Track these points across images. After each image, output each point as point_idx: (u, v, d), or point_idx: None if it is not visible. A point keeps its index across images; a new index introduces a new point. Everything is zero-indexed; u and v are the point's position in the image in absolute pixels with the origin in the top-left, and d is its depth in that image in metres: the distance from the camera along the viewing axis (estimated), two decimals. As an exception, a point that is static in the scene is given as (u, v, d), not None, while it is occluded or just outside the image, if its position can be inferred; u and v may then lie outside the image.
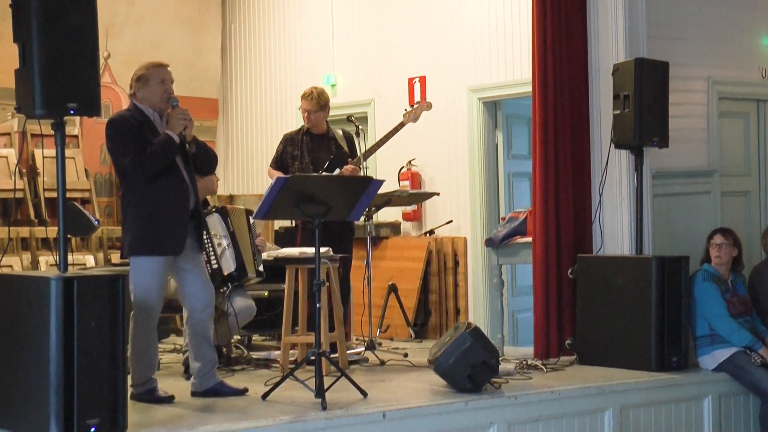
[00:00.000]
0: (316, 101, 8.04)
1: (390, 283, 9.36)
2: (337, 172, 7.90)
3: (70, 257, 5.49)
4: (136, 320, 6.01)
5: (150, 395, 6.04)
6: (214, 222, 7.46)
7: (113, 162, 6.19)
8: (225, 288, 7.36)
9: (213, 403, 6.04)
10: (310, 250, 6.71)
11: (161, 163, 5.95)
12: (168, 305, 7.25)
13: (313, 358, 6.10)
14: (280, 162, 8.16)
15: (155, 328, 6.11)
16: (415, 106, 8.37)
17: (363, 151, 8.10)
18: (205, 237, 7.15)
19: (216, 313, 6.62)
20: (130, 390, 5.70)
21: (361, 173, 7.94)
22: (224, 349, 7.36)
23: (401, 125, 8.24)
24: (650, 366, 7.20)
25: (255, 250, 7.68)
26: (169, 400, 6.05)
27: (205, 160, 6.30)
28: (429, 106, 8.44)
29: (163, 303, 6.19)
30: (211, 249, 7.35)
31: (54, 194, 5.59)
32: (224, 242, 7.45)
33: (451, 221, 9.72)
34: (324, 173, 7.84)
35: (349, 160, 8.04)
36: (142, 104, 6.11)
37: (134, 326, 6.00)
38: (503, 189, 9.73)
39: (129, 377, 5.69)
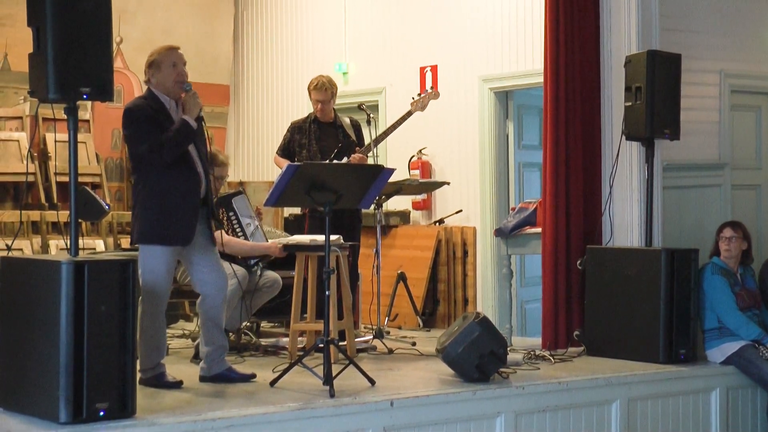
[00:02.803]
0: (330, 91, 8.03)
1: (399, 271, 9.36)
2: (344, 160, 7.89)
3: (80, 242, 5.48)
4: (145, 305, 6.01)
5: (158, 380, 6.05)
6: (243, 203, 7.51)
7: (128, 150, 6.18)
8: (257, 266, 7.42)
9: (221, 389, 6.05)
10: (321, 238, 6.71)
11: (179, 148, 5.95)
12: (177, 291, 7.29)
13: (321, 345, 6.11)
14: (287, 150, 8.13)
15: (164, 313, 6.12)
16: (422, 94, 8.34)
17: (372, 139, 8.10)
18: (232, 217, 7.21)
19: (238, 292, 6.89)
20: (138, 375, 5.72)
21: (370, 162, 7.93)
22: (232, 336, 7.38)
23: (408, 114, 8.22)
24: (658, 358, 7.20)
25: None
26: (177, 385, 6.07)
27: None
28: (436, 95, 8.42)
29: (171, 288, 6.20)
30: (239, 229, 7.40)
31: (65, 178, 5.58)
32: (253, 222, 7.51)
33: (460, 211, 9.72)
34: (333, 161, 7.83)
35: (357, 148, 8.03)
36: (158, 90, 6.10)
37: (143, 311, 6.00)
38: (513, 179, 9.73)
39: (138, 362, 5.73)
